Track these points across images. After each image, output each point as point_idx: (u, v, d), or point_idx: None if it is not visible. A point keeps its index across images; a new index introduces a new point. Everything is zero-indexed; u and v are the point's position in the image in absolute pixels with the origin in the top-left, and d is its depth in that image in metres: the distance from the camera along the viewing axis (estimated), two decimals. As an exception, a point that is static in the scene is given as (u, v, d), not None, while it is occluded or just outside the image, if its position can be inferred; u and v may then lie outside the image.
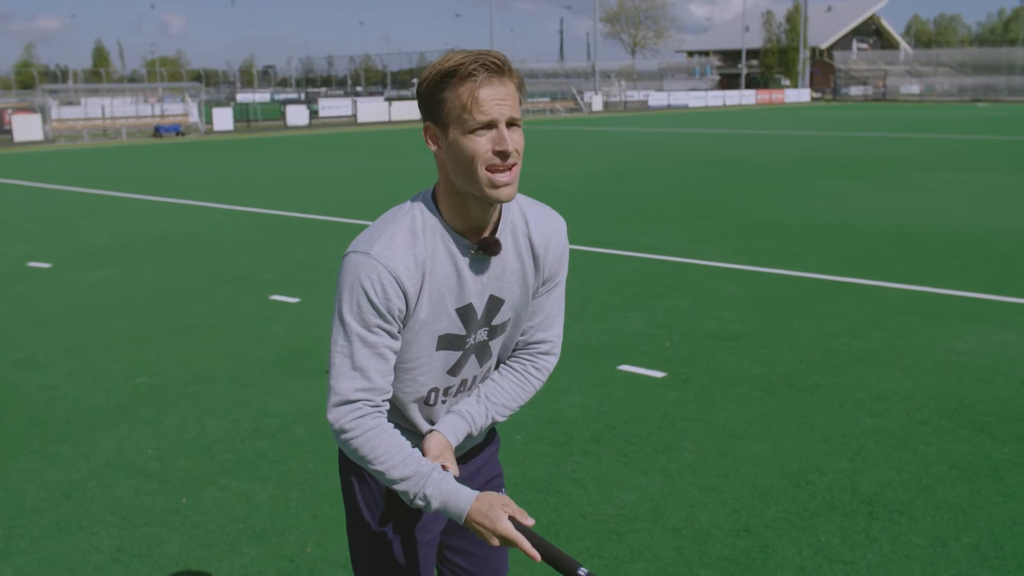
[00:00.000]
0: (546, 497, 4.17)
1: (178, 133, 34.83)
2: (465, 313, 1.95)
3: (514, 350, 2.15)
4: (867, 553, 3.64)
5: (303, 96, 72.43)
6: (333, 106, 47.12)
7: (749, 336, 6.68)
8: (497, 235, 1.94)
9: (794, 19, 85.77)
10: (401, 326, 1.90)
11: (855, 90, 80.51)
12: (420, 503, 1.86)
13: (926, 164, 19.98)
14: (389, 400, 1.94)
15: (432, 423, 2.07)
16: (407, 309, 1.88)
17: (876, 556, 3.62)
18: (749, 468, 4.44)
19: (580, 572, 1.77)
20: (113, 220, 13.03)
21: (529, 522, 1.85)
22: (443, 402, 2.07)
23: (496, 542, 1.83)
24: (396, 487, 1.88)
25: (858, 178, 17.19)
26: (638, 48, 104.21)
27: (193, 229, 12.08)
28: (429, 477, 1.85)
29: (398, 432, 1.91)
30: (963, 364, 5.99)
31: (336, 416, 1.87)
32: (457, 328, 1.95)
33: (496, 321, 2.02)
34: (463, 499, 1.84)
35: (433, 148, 1.88)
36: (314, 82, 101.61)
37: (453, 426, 2.05)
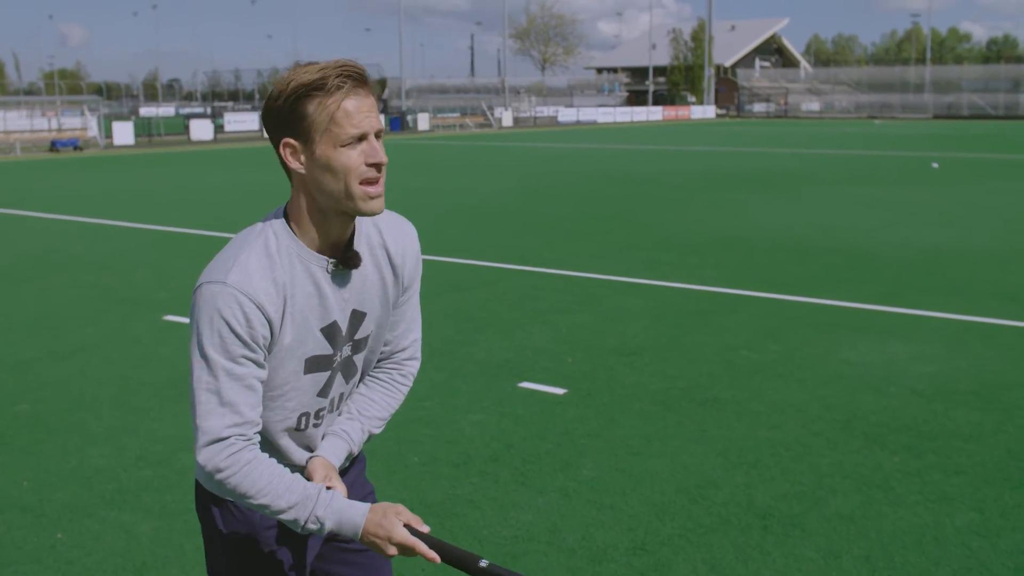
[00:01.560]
0: (441, 521, 4.08)
1: (76, 148, 33.73)
2: (330, 332, 1.88)
3: (378, 361, 2.09)
4: (760, 568, 3.64)
5: (209, 110, 71.03)
6: (239, 120, 46.23)
7: (650, 351, 6.71)
8: (355, 248, 1.88)
9: (699, 37, 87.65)
10: (266, 354, 1.81)
11: (758, 107, 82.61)
12: (313, 527, 1.79)
13: (824, 179, 20.55)
14: (259, 432, 1.85)
15: (307, 449, 1.99)
16: (271, 336, 1.80)
17: (769, 571, 3.62)
18: (647, 485, 4.43)
19: (481, 564, 1.75)
20: (0, 239, 12.48)
21: (424, 529, 1.81)
22: (315, 426, 1.99)
23: (393, 551, 1.78)
24: (283, 517, 1.80)
25: (759, 193, 17.57)
26: (548, 64, 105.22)
27: (86, 247, 11.65)
28: (318, 499, 1.79)
29: (275, 461, 1.83)
30: (856, 375, 6.11)
31: (208, 456, 1.76)
32: (323, 348, 1.88)
33: (359, 335, 1.96)
34: (357, 514, 1.79)
35: (294, 165, 1.79)
36: (221, 96, 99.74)
37: (333, 448, 2.00)
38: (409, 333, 2.10)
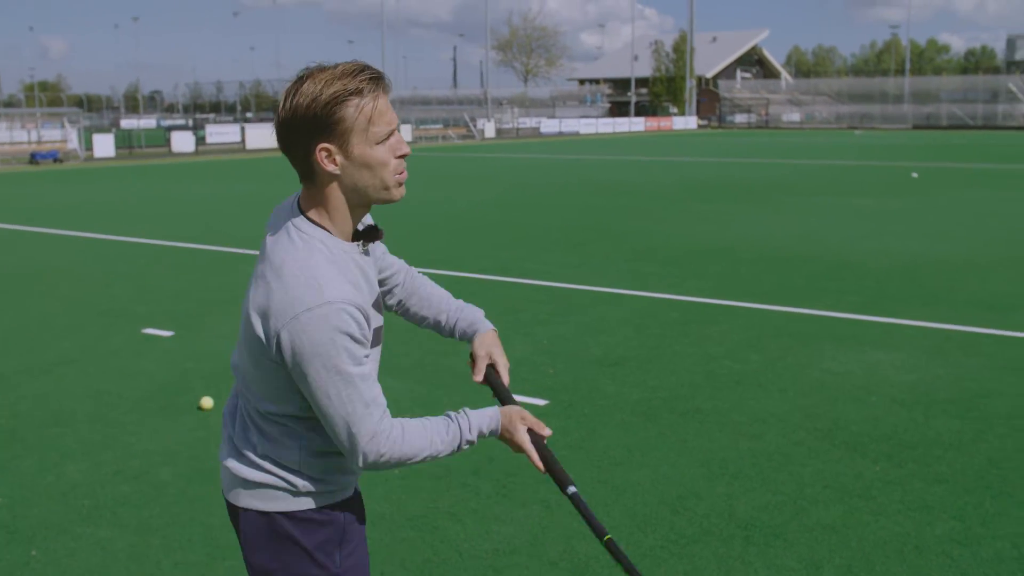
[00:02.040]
0: (422, 534, 4.05)
1: (56, 160, 33.52)
2: (377, 304, 2.04)
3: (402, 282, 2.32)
4: (742, 579, 3.63)
5: (190, 122, 70.79)
6: (221, 132, 46.08)
7: (632, 361, 6.70)
8: (364, 224, 2.04)
9: (681, 49, 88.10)
10: None
11: (739, 118, 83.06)
12: (467, 448, 2.01)
13: (805, 189, 20.66)
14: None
15: None
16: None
17: (751, 582, 3.61)
18: (629, 495, 4.41)
19: (569, 490, 2.01)
20: (-22, 251, 12.37)
21: (546, 432, 2.04)
22: None
23: (516, 450, 2.04)
24: (444, 458, 2.00)
25: (741, 203, 17.64)
26: (530, 76, 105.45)
27: (65, 259, 11.55)
28: (461, 430, 1.98)
29: (410, 419, 1.96)
30: (837, 384, 6.12)
31: (372, 454, 1.89)
32: (378, 320, 2.03)
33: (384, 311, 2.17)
34: (494, 422, 2.02)
35: (329, 167, 1.87)
36: (202, 108, 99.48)
37: (469, 312, 2.33)
38: (394, 262, 2.31)
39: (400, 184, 1.94)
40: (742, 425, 5.36)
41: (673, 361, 6.70)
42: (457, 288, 10.01)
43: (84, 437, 5.26)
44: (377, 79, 1.87)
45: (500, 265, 10.73)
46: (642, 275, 10.07)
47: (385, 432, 1.89)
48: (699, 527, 4.08)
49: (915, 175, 23.89)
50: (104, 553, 3.90)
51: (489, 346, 2.23)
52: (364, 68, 1.88)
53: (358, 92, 1.84)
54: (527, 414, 2.04)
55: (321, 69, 1.85)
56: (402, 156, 1.92)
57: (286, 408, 1.94)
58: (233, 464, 2.01)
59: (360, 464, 1.90)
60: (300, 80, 1.85)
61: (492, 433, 2.02)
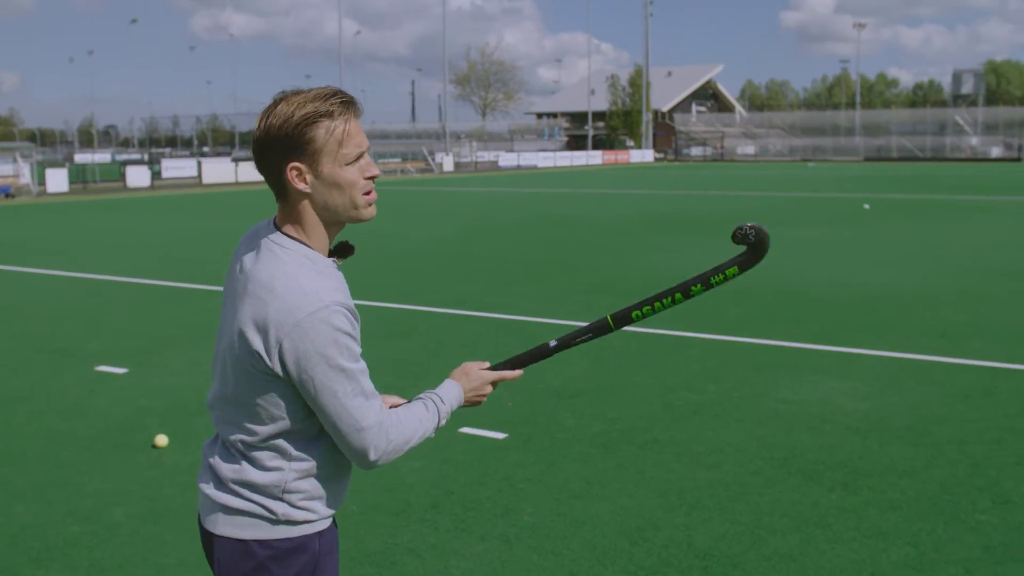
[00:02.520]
0: (380, 570, 4.01)
1: (7, 195, 33.03)
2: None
3: None
4: (701, 610, 3.63)
5: (146, 157, 70.19)
6: (177, 167, 45.71)
7: (590, 393, 6.72)
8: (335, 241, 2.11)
9: (637, 83, 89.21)
10: None
11: (695, 151, 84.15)
12: (443, 425, 2.16)
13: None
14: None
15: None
16: None
17: (710, 612, 3.61)
18: (588, 528, 4.41)
19: (550, 344, 2.30)
20: (-74, 289, 12.11)
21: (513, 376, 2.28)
22: None
23: (489, 390, 2.26)
24: (436, 414, 2.14)
25: (697, 235, 17.83)
26: (488, 110, 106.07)
27: (14, 296, 11.36)
28: (439, 409, 2.14)
29: (397, 409, 2.08)
30: (792, 413, 6.18)
31: (383, 441, 1.98)
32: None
33: None
34: (456, 392, 2.21)
35: (300, 186, 1.95)
36: (158, 142, 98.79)
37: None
38: None
39: (369, 204, 2.03)
40: (700, 455, 5.39)
41: (631, 392, 6.73)
42: (416, 322, 10.08)
43: (34, 478, 5.15)
44: (348, 103, 1.97)
45: (458, 299, 10.73)
46: (600, 307, 10.11)
47: (387, 419, 2.00)
48: (658, 558, 4.08)
49: (867, 206, 24.32)
50: (54, 596, 3.81)
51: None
52: (336, 92, 1.97)
53: (328, 114, 1.93)
54: (472, 365, 2.26)
55: (296, 92, 1.95)
56: (371, 177, 2.02)
57: (280, 426, 1.97)
58: (211, 491, 2.02)
59: (372, 457, 1.97)
60: (275, 102, 1.95)
61: (458, 402, 2.21)
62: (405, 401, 2.19)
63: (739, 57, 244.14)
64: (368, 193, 2.02)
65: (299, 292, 1.90)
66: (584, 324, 2.34)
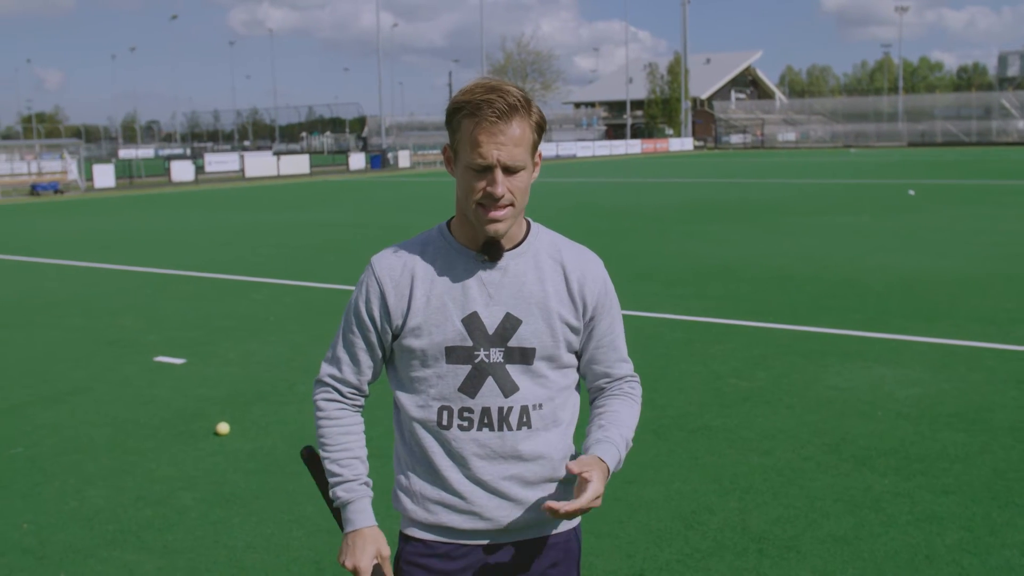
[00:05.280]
0: (442, 552, 4.12)
1: (56, 191, 33.70)
2: (470, 323, 1.95)
3: (599, 389, 2.15)
4: (758, 591, 3.70)
5: (189, 151, 71.06)
6: (220, 161, 46.37)
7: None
8: (514, 251, 2.00)
9: (675, 71, 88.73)
10: (387, 332, 2.00)
11: (735, 138, 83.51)
12: (336, 503, 2.01)
13: (803, 208, 20.81)
14: (359, 401, 2.09)
15: (456, 464, 1.99)
16: (388, 314, 1.98)
17: (767, 593, 3.68)
18: (643, 512, 4.49)
19: None
20: (-15, 283, 12.46)
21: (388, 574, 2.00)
22: (460, 428, 1.97)
23: (348, 565, 1.97)
24: (331, 480, 2.02)
25: (740, 223, 17.78)
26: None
27: (71, 290, 11.65)
28: (345, 482, 2.00)
29: (357, 435, 2.05)
30: (843, 400, 6.20)
31: (314, 392, 2.09)
32: (463, 339, 1.95)
33: (513, 343, 1.97)
34: (359, 520, 1.99)
35: (449, 170, 1.98)
36: (200, 137, 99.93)
37: (598, 446, 2.01)
38: (618, 363, 2.17)
39: (487, 221, 1.89)
40: (751, 441, 5.44)
41: (680, 379, 6.79)
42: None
43: (104, 464, 5.34)
44: (495, 107, 1.82)
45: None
46: (644, 296, 10.17)
47: (325, 393, 2.08)
48: (713, 541, 4.16)
49: (912, 192, 24.06)
50: (131, 576, 3.97)
51: (594, 468, 1.95)
52: (494, 90, 1.84)
53: (462, 110, 1.86)
54: (385, 547, 1.99)
55: (479, 81, 1.89)
56: (489, 194, 1.87)
57: (391, 384, 2.08)
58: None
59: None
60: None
61: (348, 526, 2.01)
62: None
63: (778, 43, 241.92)
64: (484, 208, 1.89)
65: None
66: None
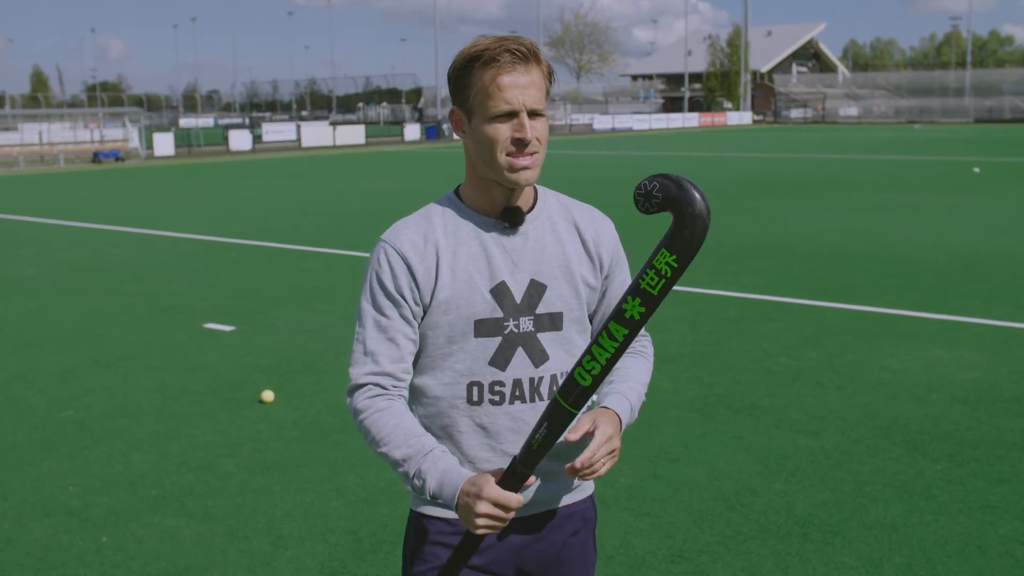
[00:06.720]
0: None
1: (117, 159, 34.27)
2: (499, 293, 1.89)
3: None
4: (800, 576, 3.62)
5: (247, 121, 71.80)
6: (277, 131, 46.73)
7: (687, 358, 6.68)
8: (529, 215, 1.93)
9: (735, 43, 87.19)
10: (415, 309, 1.88)
11: (795, 113, 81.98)
12: (417, 483, 1.81)
13: (863, 185, 20.35)
14: (403, 390, 1.92)
15: (488, 440, 1.91)
16: (418, 288, 1.87)
17: (809, 579, 3.60)
18: (685, 491, 4.42)
19: (518, 468, 1.77)
20: (45, 249, 12.72)
21: (509, 512, 1.75)
22: (492, 402, 1.91)
23: (483, 508, 1.72)
24: (400, 471, 1.83)
25: (797, 199, 17.44)
26: (583, 72, 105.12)
27: (128, 257, 11.83)
28: (426, 456, 1.81)
29: (410, 415, 1.89)
30: (897, 382, 6.04)
31: (351, 402, 1.90)
32: (493, 311, 1.89)
33: (541, 310, 1.92)
34: (459, 476, 1.78)
35: (459, 134, 1.89)
36: (259, 107, 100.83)
37: (608, 399, 1.92)
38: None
39: (513, 168, 1.82)
40: (799, 422, 5.32)
41: (729, 358, 6.67)
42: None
43: (150, 429, 5.40)
44: (513, 52, 1.78)
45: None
46: (697, 272, 10.01)
47: (367, 393, 1.90)
48: (756, 523, 4.07)
49: (977, 170, 23.40)
50: (171, 541, 4.00)
51: (598, 416, 1.87)
52: (508, 40, 1.81)
53: (478, 59, 1.79)
54: (490, 478, 1.77)
55: (481, 36, 1.83)
56: (519, 139, 1.80)
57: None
58: None
59: (350, 411, 1.97)
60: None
61: (452, 489, 1.79)
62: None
63: (842, 15, 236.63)
64: (514, 156, 1.81)
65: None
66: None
